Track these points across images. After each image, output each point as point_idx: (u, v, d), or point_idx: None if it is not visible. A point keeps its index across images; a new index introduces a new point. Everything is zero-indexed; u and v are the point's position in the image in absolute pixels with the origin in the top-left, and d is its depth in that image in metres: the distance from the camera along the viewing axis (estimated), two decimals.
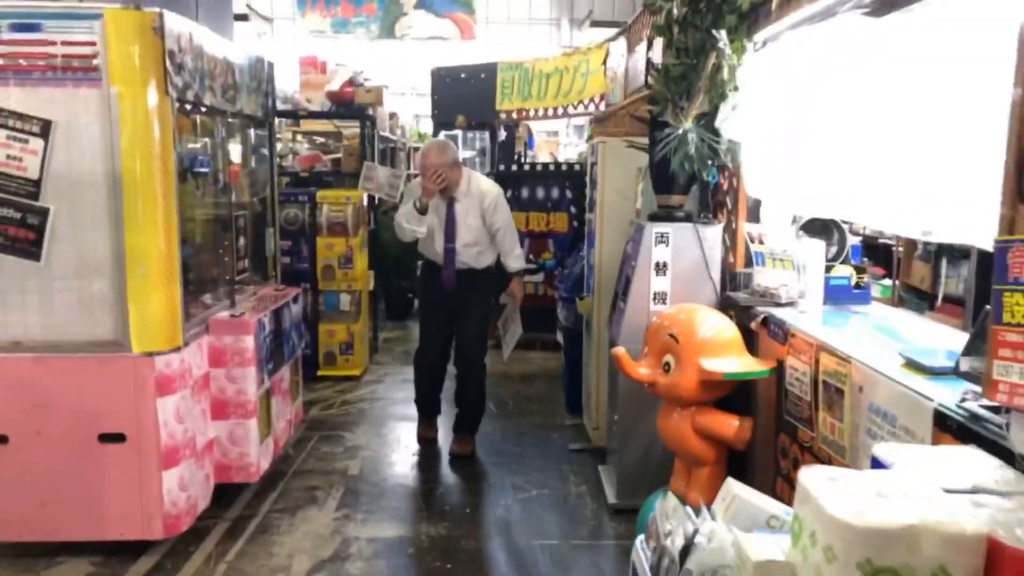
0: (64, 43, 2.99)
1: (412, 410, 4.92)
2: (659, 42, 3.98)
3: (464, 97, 9.08)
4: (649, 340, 3.23)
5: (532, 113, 8.64)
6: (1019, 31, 1.57)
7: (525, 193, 7.17)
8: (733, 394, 3.23)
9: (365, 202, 6.33)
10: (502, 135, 9.23)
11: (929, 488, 1.26)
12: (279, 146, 9.36)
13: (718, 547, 1.38)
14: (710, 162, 3.31)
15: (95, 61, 2.99)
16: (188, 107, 3.40)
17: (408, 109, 14.16)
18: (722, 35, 3.11)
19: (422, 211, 4.31)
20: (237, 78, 3.91)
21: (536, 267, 7.11)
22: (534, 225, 7.16)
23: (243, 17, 13.50)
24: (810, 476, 1.29)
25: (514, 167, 7.38)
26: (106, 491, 3.22)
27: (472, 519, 3.76)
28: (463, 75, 9.28)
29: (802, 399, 2.75)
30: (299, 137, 9.58)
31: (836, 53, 2.67)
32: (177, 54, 3.14)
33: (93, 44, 2.98)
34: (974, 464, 1.47)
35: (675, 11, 3.65)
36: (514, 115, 8.80)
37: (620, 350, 3.15)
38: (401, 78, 13.35)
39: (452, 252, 4.39)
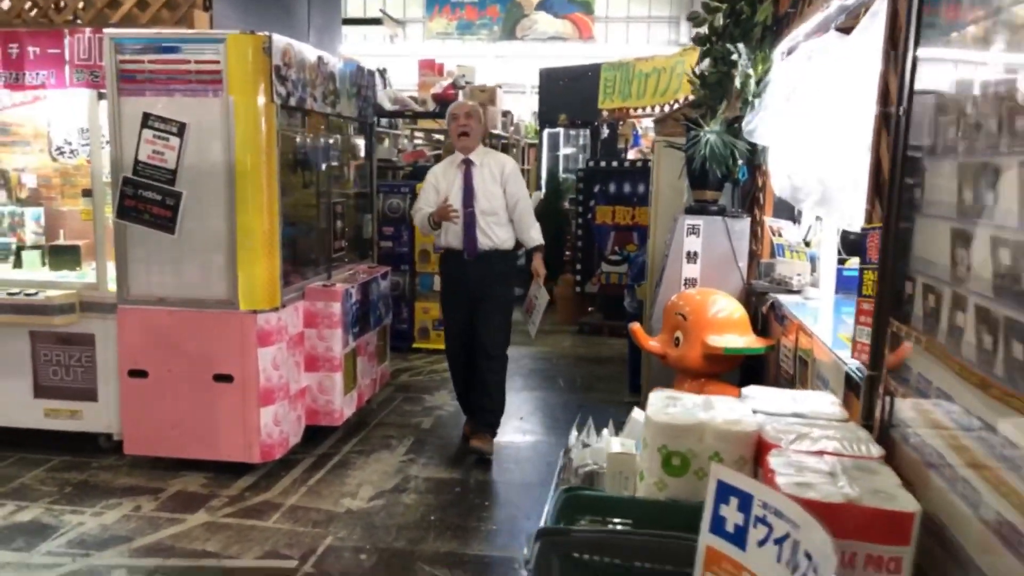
0: (196, 62, 3.77)
1: None
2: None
3: (568, 96, 9.60)
4: (665, 318, 3.65)
5: (632, 111, 9.03)
6: (881, 60, 1.93)
7: (612, 188, 7.58)
8: (748, 370, 3.60)
9: None
10: (604, 132, 9.67)
11: (736, 406, 1.69)
12: (402, 142, 10.26)
13: (594, 449, 1.85)
14: (731, 162, 3.67)
15: (219, 75, 3.75)
16: (292, 110, 4.12)
17: (527, 107, 14.81)
18: (739, 47, 3.48)
19: (435, 226, 4.30)
20: (338, 85, 4.62)
21: (620, 258, 7.52)
22: (620, 219, 7.57)
23: (376, 21, 14.59)
24: (655, 394, 1.75)
25: (602, 163, 7.79)
26: (218, 421, 4.00)
27: (517, 469, 4.30)
28: (569, 75, 9.80)
29: (788, 372, 3.12)
30: (417, 135, 10.41)
31: (823, 64, 3.00)
32: (282, 68, 3.86)
33: (217, 62, 3.74)
34: (816, 402, 1.87)
35: (717, 23, 4.02)
36: (616, 113, 9.22)
37: (635, 325, 3.60)
38: (523, 77, 14.01)
39: (472, 216, 4.24)
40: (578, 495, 1.56)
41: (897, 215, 1.62)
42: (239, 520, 3.61)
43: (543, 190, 9.97)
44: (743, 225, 3.99)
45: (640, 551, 1.31)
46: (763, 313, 3.60)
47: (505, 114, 11.54)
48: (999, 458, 1.19)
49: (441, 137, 10.11)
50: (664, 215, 4.81)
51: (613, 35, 14.98)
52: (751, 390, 1.92)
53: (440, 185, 4.38)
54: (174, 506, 3.74)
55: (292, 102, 4.00)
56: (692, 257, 4.02)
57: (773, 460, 1.45)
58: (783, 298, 3.44)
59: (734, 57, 3.48)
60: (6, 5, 4.32)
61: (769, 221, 3.85)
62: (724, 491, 1.24)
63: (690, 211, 4.08)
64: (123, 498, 3.82)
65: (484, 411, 4.44)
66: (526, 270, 4.65)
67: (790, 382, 3.05)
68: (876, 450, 1.53)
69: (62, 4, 4.27)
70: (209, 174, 3.83)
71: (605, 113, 9.27)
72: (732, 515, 1.22)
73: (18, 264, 4.60)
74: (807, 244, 3.78)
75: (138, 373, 4.03)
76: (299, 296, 4.30)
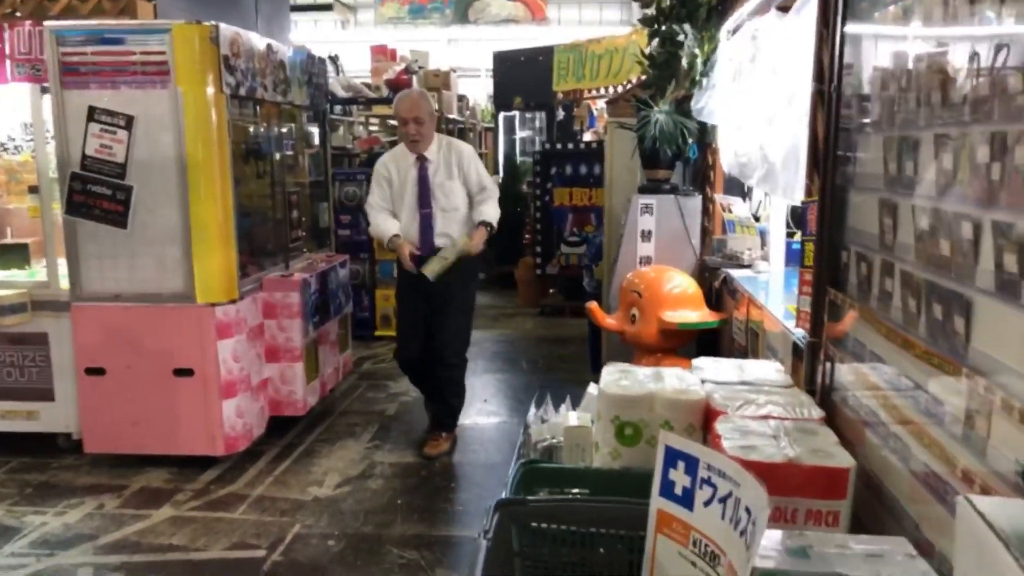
0: (142, 52, 3.71)
1: None
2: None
3: (523, 79, 9.61)
4: (621, 295, 3.73)
5: (585, 93, 9.08)
6: (815, 38, 2.00)
7: (569, 170, 7.64)
8: (704, 344, 3.69)
9: None
10: (560, 114, 9.71)
11: (685, 376, 1.76)
12: (357, 129, 10.17)
13: (551, 424, 1.91)
14: (681, 141, 3.75)
15: (165, 66, 3.70)
16: (243, 100, 4.09)
17: (482, 91, 14.78)
18: (686, 28, 3.54)
19: (391, 248, 4.10)
20: (288, 73, 4.59)
21: (579, 239, 7.59)
22: (577, 200, 7.63)
23: (327, 7, 14.41)
24: (607, 368, 1.81)
25: (558, 145, 7.85)
26: (180, 415, 3.98)
27: (482, 450, 4.36)
28: (522, 58, 9.81)
29: (741, 344, 3.21)
30: (372, 121, 10.33)
31: (765, 42, 3.07)
32: (231, 58, 3.82)
33: (163, 53, 3.70)
34: (762, 370, 1.95)
35: (664, 3, 4.08)
36: (570, 95, 9.27)
37: (593, 304, 3.67)
38: (478, 60, 13.95)
39: (428, 218, 3.99)
40: (536, 468, 1.62)
41: (832, 188, 1.70)
42: (205, 513, 3.61)
43: (500, 174, 10.00)
44: (695, 203, 4.07)
45: (595, 517, 1.37)
46: (716, 288, 3.70)
47: (460, 98, 11.51)
48: (924, 413, 1.27)
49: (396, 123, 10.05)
50: (618, 195, 4.88)
51: (566, 16, 15.00)
52: (701, 361, 1.99)
53: (392, 178, 4.08)
54: (138, 502, 3.73)
55: (242, 92, 3.97)
56: (646, 236, 4.10)
57: (720, 426, 1.52)
58: (735, 272, 3.54)
59: (680, 38, 3.54)
60: None
61: (719, 198, 3.94)
62: (672, 456, 1.30)
63: (643, 190, 4.16)
64: (85, 497, 3.79)
65: (441, 412, 4.32)
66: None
67: (743, 354, 3.14)
68: (816, 412, 1.61)
69: None
70: (160, 167, 3.79)
71: (560, 95, 9.31)
72: (680, 478, 1.28)
73: None
74: (757, 219, 3.87)
75: (95, 371, 3.99)
76: (257, 287, 4.28)
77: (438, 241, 4.01)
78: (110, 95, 3.77)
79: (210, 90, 3.75)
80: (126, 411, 3.98)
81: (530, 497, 1.45)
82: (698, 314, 3.51)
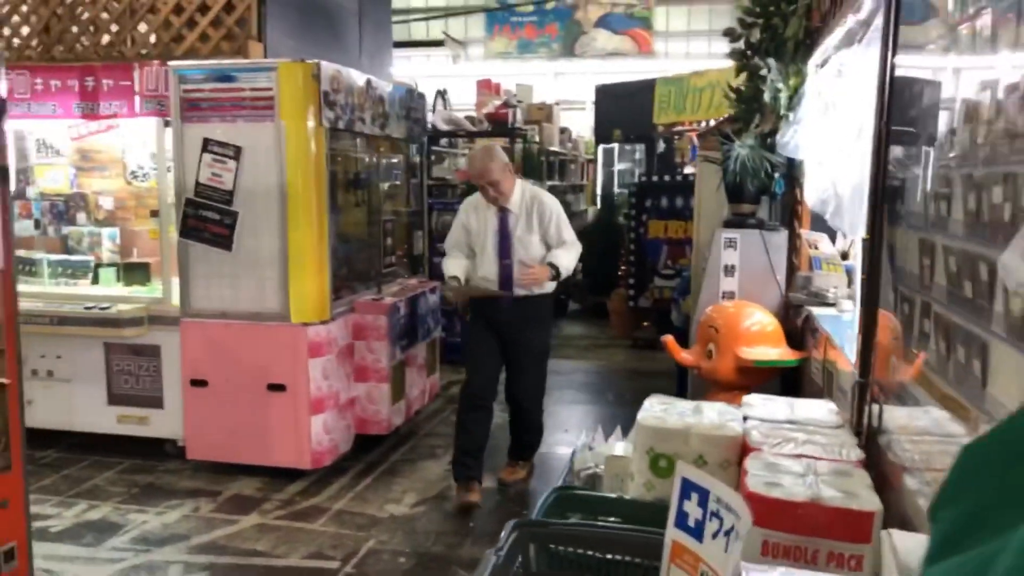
0: (251, 89, 4.02)
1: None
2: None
3: (624, 112, 9.67)
4: (699, 330, 3.69)
5: (686, 126, 9.03)
6: (878, 76, 1.97)
7: (664, 202, 7.60)
8: (786, 383, 3.60)
9: None
10: (661, 147, 9.69)
11: (727, 411, 1.76)
12: (460, 162, 10.49)
13: (595, 453, 1.93)
14: (763, 176, 3.70)
15: (271, 101, 3.99)
16: (342, 132, 4.34)
17: (587, 123, 14.90)
18: (769, 62, 3.51)
19: (447, 287, 4.11)
20: (387, 108, 4.83)
21: (673, 272, 7.52)
22: (672, 232, 7.57)
23: (439, 43, 14.96)
24: (649, 400, 1.83)
25: (654, 177, 7.83)
26: (271, 428, 4.21)
27: (558, 480, 4.37)
28: (624, 91, 9.87)
29: (818, 384, 3.13)
30: None
31: (849, 76, 3.02)
32: (330, 93, 4.08)
33: (270, 89, 3.99)
34: (812, 409, 1.91)
35: (754, 38, 4.06)
36: (670, 128, 9.25)
37: (669, 337, 3.65)
38: (582, 93, 14.12)
39: (508, 268, 3.91)
40: (569, 494, 1.65)
41: (880, 225, 1.67)
42: (288, 522, 3.80)
43: (598, 205, 10.04)
44: (780, 238, 3.99)
45: (613, 545, 1.39)
46: (799, 326, 3.61)
47: (563, 131, 11.68)
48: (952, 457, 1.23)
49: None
50: (707, 229, 4.82)
51: (673, 50, 14.95)
52: (751, 398, 1.98)
53: (471, 225, 4.02)
54: (230, 508, 3.96)
55: (340, 125, 4.21)
56: (730, 270, 4.04)
57: (749, 462, 1.51)
58: (817, 311, 3.44)
59: (763, 72, 3.51)
60: (85, 42, 4.68)
61: (805, 234, 3.85)
62: (687, 488, 1.32)
63: (727, 224, 4.11)
64: (184, 499, 4.06)
65: (520, 440, 4.30)
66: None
67: (819, 394, 3.05)
68: (856, 454, 1.57)
69: (133, 39, 4.60)
70: (263, 194, 4.07)
71: (661, 128, 9.30)
72: (693, 510, 1.29)
73: (95, 280, 4.94)
74: (844, 257, 3.76)
75: (199, 382, 4.29)
76: (349, 309, 4.50)
77: (518, 291, 3.94)
78: (223, 128, 4.09)
79: (310, 123, 4.01)
80: (224, 422, 4.25)
81: (550, 520, 1.49)
82: (777, 352, 3.43)
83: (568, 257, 3.97)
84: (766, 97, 3.53)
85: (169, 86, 4.16)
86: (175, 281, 4.37)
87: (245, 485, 4.23)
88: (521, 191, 4.00)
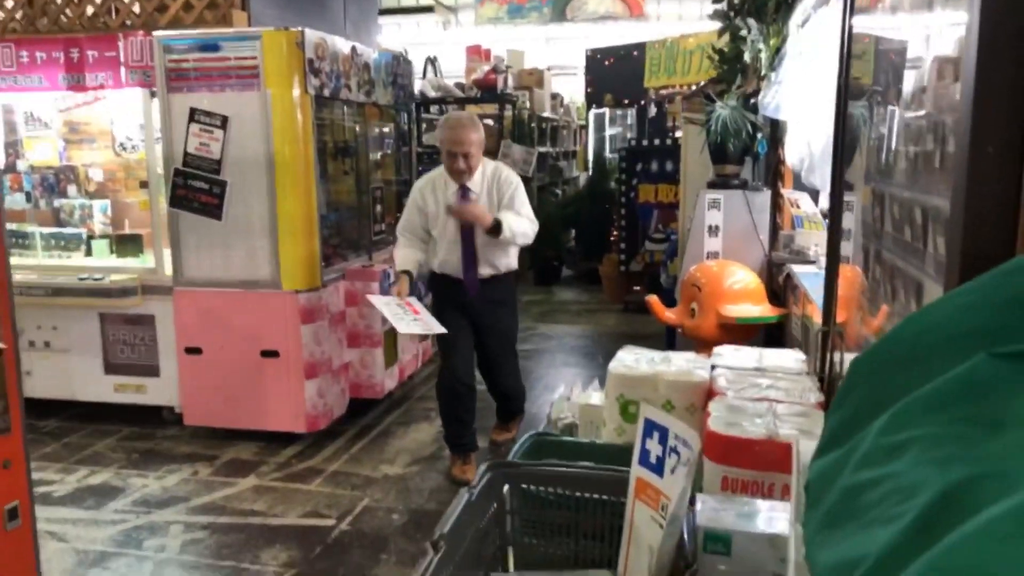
0: (236, 58, 4.04)
1: (529, 355, 5.69)
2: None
3: (615, 76, 9.63)
4: (682, 289, 3.76)
5: (677, 89, 9.01)
6: (839, 35, 2.01)
7: (655, 166, 7.63)
8: (769, 340, 3.68)
9: None
10: (652, 111, 9.68)
11: (695, 360, 1.83)
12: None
13: (571, 403, 2.01)
14: (744, 136, 3.74)
15: (256, 70, 4.01)
16: (328, 100, 4.36)
17: (580, 88, 14.82)
18: (749, 22, 3.54)
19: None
20: (373, 75, 4.84)
21: (664, 236, 7.57)
22: (663, 196, 7.61)
23: (429, 9, 14.82)
24: (622, 351, 1.90)
25: (644, 142, 7.85)
26: (266, 394, 4.30)
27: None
28: (615, 55, 9.83)
29: (798, 339, 3.20)
30: None
31: (824, 35, 3.05)
32: (315, 61, 4.10)
33: (255, 58, 4.00)
34: (780, 358, 1.98)
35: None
36: (661, 91, 9.23)
37: (652, 297, 3.72)
38: (575, 58, 14.04)
39: (472, 253, 3.74)
40: (544, 440, 1.73)
41: (840, 182, 1.73)
42: (285, 484, 3.90)
43: (591, 171, 10.06)
44: (763, 198, 4.05)
45: (581, 483, 1.47)
46: (781, 284, 3.67)
47: (554, 96, 11.64)
48: None
49: (490, 121, 10.29)
50: (692, 191, 4.88)
51: (666, 11, 14.83)
52: (721, 348, 2.05)
53: (428, 207, 3.80)
54: (227, 471, 4.06)
55: (326, 92, 4.24)
56: (714, 231, 4.11)
57: (712, 404, 1.58)
58: (798, 268, 3.50)
59: (743, 33, 3.54)
60: (69, 13, 4.68)
61: (787, 193, 3.90)
62: (649, 427, 1.39)
63: (712, 186, 4.16)
64: (183, 464, 4.15)
65: (505, 407, 4.25)
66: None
67: (802, 349, 3.13)
68: (816, 397, 1.65)
69: (117, 10, 4.60)
70: (251, 163, 4.11)
71: (652, 92, 9.29)
72: (654, 448, 1.37)
73: (89, 252, 4.99)
74: (825, 215, 3.82)
75: (193, 350, 4.36)
76: (340, 276, 4.56)
77: (483, 271, 3.77)
78: (209, 97, 4.12)
79: (296, 91, 4.04)
80: (220, 388, 4.33)
81: (521, 461, 1.57)
82: (759, 309, 3.51)
83: (518, 223, 3.68)
84: (746, 58, 3.56)
85: (154, 56, 4.17)
86: (167, 251, 4.42)
87: (242, 449, 4.32)
88: (482, 169, 3.77)
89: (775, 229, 4.09)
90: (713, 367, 1.84)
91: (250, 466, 4.11)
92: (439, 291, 3.94)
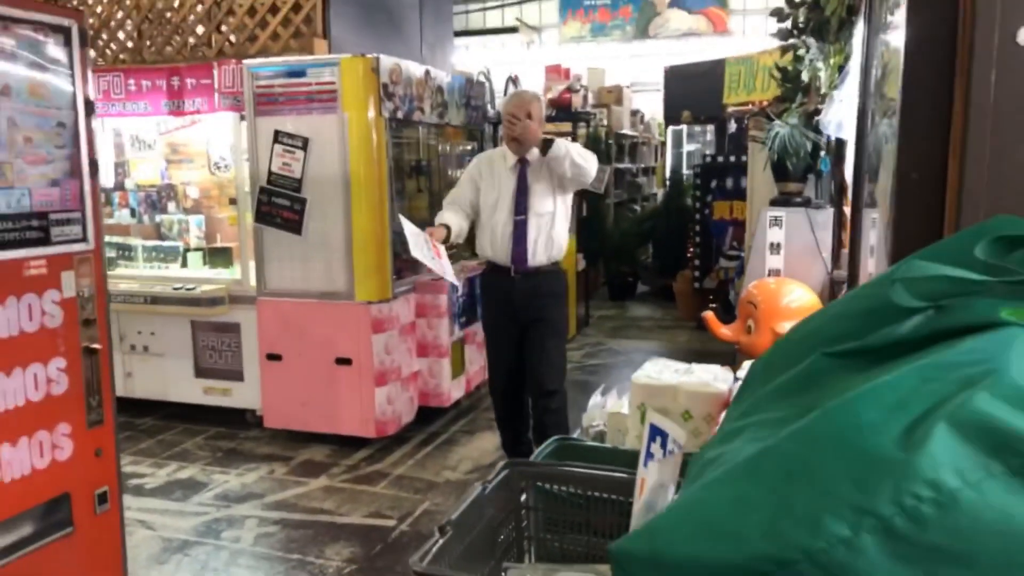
0: (316, 83, 4.32)
1: (595, 369, 5.77)
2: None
3: (693, 93, 9.61)
4: (740, 306, 3.77)
5: (755, 106, 8.92)
6: (862, 55, 2.06)
7: (730, 183, 7.60)
8: None
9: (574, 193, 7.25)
10: (732, 127, 9.61)
11: (717, 372, 1.90)
12: None
13: (602, 411, 2.10)
14: (804, 154, 3.75)
15: (334, 94, 4.28)
16: (403, 122, 4.59)
17: (660, 105, 14.78)
18: (808, 41, 3.56)
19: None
20: (446, 97, 5.06)
21: (738, 253, 7.51)
22: (737, 213, 7.55)
23: (513, 29, 15.14)
24: (650, 362, 1.99)
25: (719, 158, 7.82)
26: (339, 399, 4.54)
27: None
28: (694, 72, 9.82)
29: None
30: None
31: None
32: (389, 85, 4.34)
33: (333, 83, 4.27)
34: None
35: (800, 17, 4.08)
36: (740, 108, 9.16)
37: (708, 313, 3.75)
38: (658, 75, 14.03)
39: (524, 224, 3.66)
40: (567, 444, 1.83)
41: (860, 198, 1.78)
42: (352, 485, 4.11)
43: (667, 187, 10.06)
44: (826, 216, 4.02)
45: (593, 482, 1.57)
46: None
47: (634, 113, 11.69)
48: None
49: (569, 139, 10.42)
50: (758, 209, 4.87)
51: (751, 26, 14.66)
52: (748, 363, 2.11)
53: (481, 183, 3.79)
54: (301, 472, 4.31)
55: (400, 115, 4.47)
56: (775, 248, 4.11)
57: (724, 413, 1.66)
58: None
59: (801, 52, 3.56)
60: (172, 45, 5.10)
61: (850, 211, 3.87)
62: (654, 432, 1.48)
63: (774, 203, 4.17)
64: (261, 463, 4.43)
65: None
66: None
67: None
68: None
69: (213, 41, 4.98)
70: (329, 182, 4.37)
71: (731, 108, 9.23)
72: (657, 451, 1.46)
73: (184, 264, 5.38)
74: None
75: (274, 357, 4.65)
76: (411, 289, 4.77)
77: (531, 253, 3.69)
78: (291, 120, 4.41)
79: (371, 114, 4.28)
80: (297, 393, 4.60)
81: (539, 460, 1.68)
82: None
83: (575, 146, 3.67)
84: (804, 76, 3.58)
85: (244, 82, 4.50)
86: (252, 263, 4.74)
87: (316, 452, 4.57)
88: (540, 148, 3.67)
89: (838, 247, 4.05)
90: (736, 379, 1.91)
91: (322, 467, 4.35)
92: (487, 286, 3.95)
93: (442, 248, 3.62)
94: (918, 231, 0.91)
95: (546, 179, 3.70)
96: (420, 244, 3.45)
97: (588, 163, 3.63)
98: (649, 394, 1.84)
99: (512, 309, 3.77)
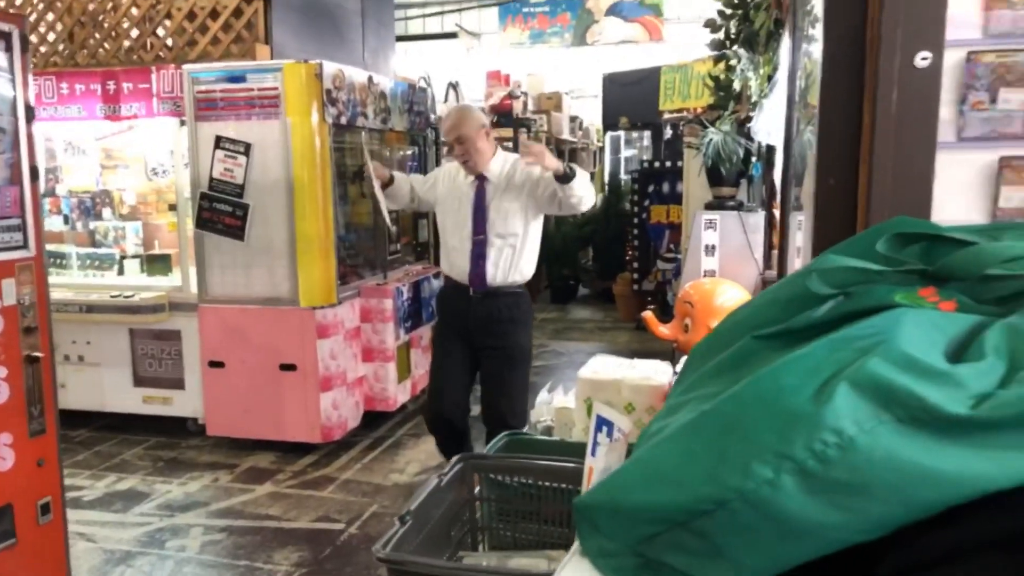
0: (259, 89, 4.31)
1: (538, 371, 5.86)
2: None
3: (630, 100, 9.87)
4: (677, 306, 3.92)
5: (689, 112, 9.19)
6: (788, 67, 2.20)
7: (667, 188, 7.81)
8: None
9: None
10: (668, 133, 9.87)
11: (658, 367, 2.01)
12: None
13: (550, 407, 2.19)
14: (736, 159, 3.92)
15: (277, 100, 4.27)
16: (345, 128, 4.61)
17: (599, 111, 15.04)
18: (738, 51, 3.73)
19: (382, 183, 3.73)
20: (389, 103, 5.10)
21: (675, 256, 7.72)
22: (674, 217, 7.77)
23: (452, 35, 15.21)
24: (595, 359, 2.08)
25: (655, 164, 8.03)
26: (284, 405, 4.52)
27: None
28: (630, 79, 10.07)
29: None
30: None
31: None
32: (333, 91, 4.36)
33: (276, 88, 4.27)
34: None
35: (732, 29, 4.27)
36: (675, 115, 9.42)
37: (647, 313, 3.88)
38: (596, 81, 14.28)
39: (482, 245, 3.40)
40: (517, 438, 1.91)
41: (787, 203, 1.90)
42: (299, 491, 4.11)
43: (606, 191, 10.26)
44: (757, 219, 4.21)
45: (543, 473, 1.65)
46: None
47: (573, 119, 11.89)
48: None
49: (510, 144, 10.54)
50: (694, 213, 5.05)
51: (684, 36, 15.05)
52: (685, 359, 2.22)
53: (439, 187, 3.62)
54: (246, 479, 4.28)
55: (343, 120, 4.49)
56: (710, 250, 4.27)
57: (664, 403, 1.76)
58: None
59: (732, 62, 3.73)
60: (107, 47, 5.00)
61: (778, 213, 4.06)
62: (600, 422, 1.57)
63: (708, 207, 4.34)
64: (204, 472, 4.38)
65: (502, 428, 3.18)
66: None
67: None
68: None
69: (150, 45, 4.91)
70: (272, 187, 4.36)
71: (666, 115, 9.48)
72: (603, 441, 1.55)
73: (121, 271, 5.28)
74: None
75: (216, 364, 4.60)
76: (356, 294, 4.78)
77: (491, 273, 3.41)
78: (233, 125, 4.39)
79: (314, 119, 4.29)
80: (241, 400, 4.56)
81: (489, 453, 1.75)
82: None
83: (586, 180, 3.30)
84: (735, 84, 3.75)
85: (184, 87, 4.45)
86: (193, 270, 4.68)
87: (261, 458, 4.55)
88: (503, 160, 3.48)
89: (769, 249, 4.24)
90: (675, 374, 2.01)
91: (268, 474, 4.33)
92: (443, 305, 3.68)
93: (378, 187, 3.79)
94: (835, 229, 1.02)
95: (515, 198, 3.41)
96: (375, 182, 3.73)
97: (590, 197, 3.40)
98: (594, 388, 1.93)
99: (467, 331, 3.49)
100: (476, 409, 3.70)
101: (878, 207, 0.91)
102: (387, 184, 3.80)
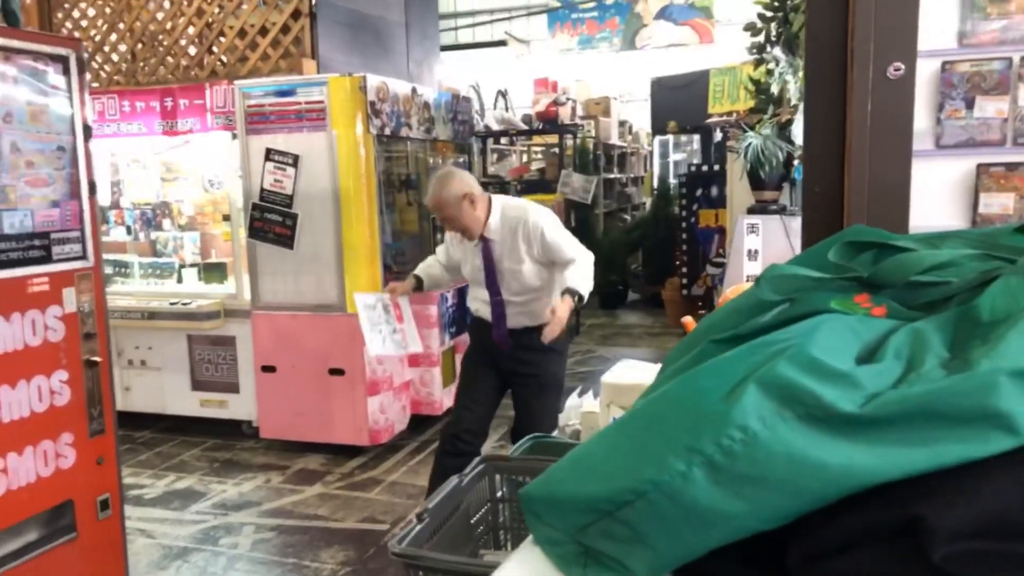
0: (306, 102, 4.46)
1: (584, 377, 5.89)
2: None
3: (679, 103, 9.79)
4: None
5: (738, 115, 9.09)
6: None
7: (715, 192, 7.75)
8: None
9: (562, 204, 7.41)
10: (718, 136, 9.79)
11: None
12: (523, 158, 10.86)
13: (578, 411, 2.23)
14: (776, 163, 3.89)
15: (323, 112, 4.41)
16: (391, 139, 4.73)
17: (648, 116, 14.96)
18: (777, 54, 3.71)
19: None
20: (433, 113, 5.21)
21: (724, 260, 7.65)
22: (723, 221, 7.69)
23: (502, 43, 15.35)
24: (620, 363, 2.12)
25: (703, 167, 7.98)
26: (333, 409, 4.65)
27: None
28: (679, 83, 10.00)
29: None
30: (535, 150, 10.97)
31: None
32: (376, 103, 4.48)
33: (322, 101, 4.41)
34: None
35: (772, 32, 4.24)
36: (724, 118, 9.33)
37: (687, 318, 3.87)
38: (646, 86, 14.23)
39: (501, 305, 3.32)
40: (542, 441, 1.95)
41: (813, 207, 1.91)
42: (347, 492, 4.23)
43: (655, 195, 10.23)
44: (799, 222, 4.16)
45: None
46: None
47: (622, 123, 11.87)
48: None
49: (556, 151, 10.60)
50: (738, 216, 5.01)
51: (736, 39, 14.88)
52: None
53: (453, 251, 3.55)
54: (296, 480, 4.42)
55: (387, 131, 4.61)
56: (752, 255, 4.24)
57: None
58: None
59: (771, 65, 3.71)
60: (165, 67, 5.24)
61: None
62: None
63: (750, 211, 4.31)
64: (257, 473, 4.54)
65: None
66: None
67: None
68: None
69: (204, 62, 5.12)
70: (319, 197, 4.50)
71: (715, 118, 9.40)
72: None
73: (180, 280, 5.50)
74: None
75: (269, 368, 4.76)
76: None
77: (513, 322, 3.34)
78: (282, 138, 4.55)
79: (359, 131, 4.42)
80: (292, 404, 4.71)
81: (512, 455, 1.80)
82: None
83: (580, 276, 3.19)
84: (774, 88, 3.73)
85: (235, 102, 4.63)
86: (246, 278, 4.86)
87: (311, 460, 4.69)
88: (501, 214, 3.29)
89: None
90: None
91: (317, 475, 4.46)
92: (474, 334, 3.61)
93: (406, 307, 3.59)
94: (823, 237, 1.05)
95: (526, 256, 3.26)
96: (377, 324, 3.39)
97: (591, 272, 3.33)
98: (616, 393, 1.97)
99: (492, 358, 3.43)
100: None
101: (856, 215, 0.94)
102: (419, 288, 3.64)
